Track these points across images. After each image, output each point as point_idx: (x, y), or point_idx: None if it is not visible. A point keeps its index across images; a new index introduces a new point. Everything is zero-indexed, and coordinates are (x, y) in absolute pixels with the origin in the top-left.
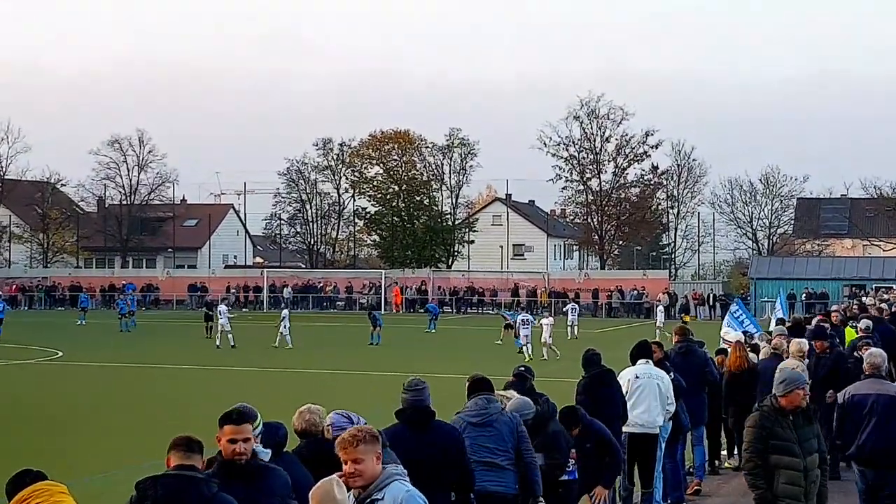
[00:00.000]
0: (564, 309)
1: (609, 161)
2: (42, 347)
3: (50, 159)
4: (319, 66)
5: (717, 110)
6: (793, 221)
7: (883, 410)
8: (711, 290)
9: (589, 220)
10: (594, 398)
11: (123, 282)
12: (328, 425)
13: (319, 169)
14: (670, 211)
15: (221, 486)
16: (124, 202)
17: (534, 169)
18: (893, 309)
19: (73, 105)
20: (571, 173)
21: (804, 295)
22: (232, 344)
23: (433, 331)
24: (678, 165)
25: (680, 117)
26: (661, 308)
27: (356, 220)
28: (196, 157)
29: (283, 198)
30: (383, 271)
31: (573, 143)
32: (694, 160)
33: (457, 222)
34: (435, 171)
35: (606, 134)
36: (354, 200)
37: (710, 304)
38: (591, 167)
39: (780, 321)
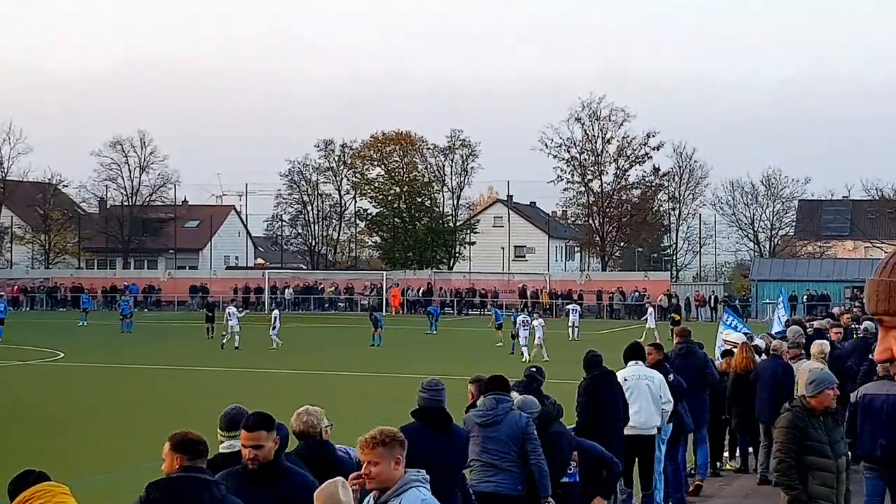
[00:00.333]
0: (566, 310)
1: (610, 162)
2: (44, 348)
3: (52, 160)
4: (321, 67)
5: (718, 112)
6: (794, 223)
7: (892, 411)
8: (713, 291)
9: (590, 221)
10: (595, 400)
11: (125, 283)
12: (326, 426)
13: (321, 170)
14: (672, 212)
15: (240, 488)
16: (126, 203)
17: (535, 170)
18: None
19: (74, 106)
20: (573, 175)
21: (806, 297)
22: (236, 345)
23: (434, 332)
24: (679, 167)
25: (681, 119)
26: (651, 310)
27: (357, 222)
28: (197, 158)
29: (284, 199)
30: (384, 273)
31: (574, 144)
32: (695, 162)
33: (458, 224)
34: (436, 172)
35: (608, 135)
36: (356, 202)
37: (712, 305)
38: (592, 169)
39: (797, 322)
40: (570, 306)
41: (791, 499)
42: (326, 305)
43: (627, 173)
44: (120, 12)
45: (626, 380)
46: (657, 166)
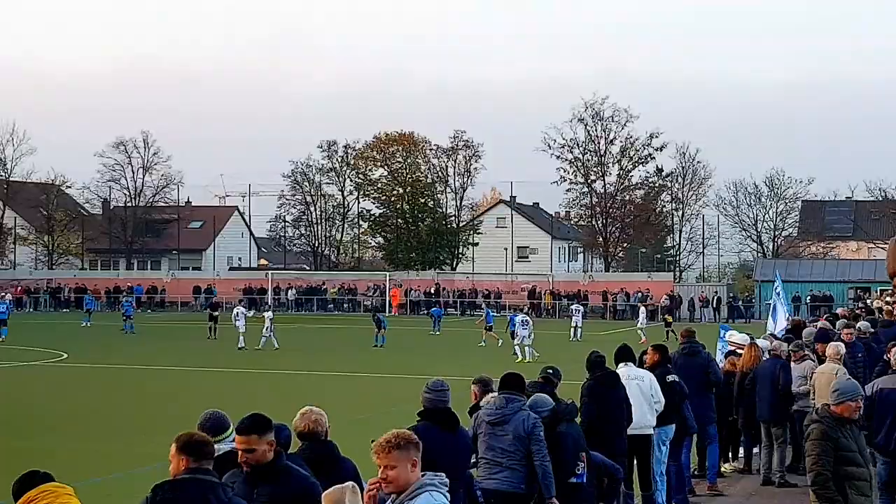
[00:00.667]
0: (569, 311)
1: (613, 163)
2: (47, 349)
3: (55, 161)
4: (324, 68)
5: (721, 112)
6: (797, 224)
7: None
8: (716, 292)
9: (593, 222)
10: (599, 401)
11: (129, 284)
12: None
13: (324, 171)
14: (675, 213)
15: (240, 488)
16: (129, 204)
17: (538, 171)
18: None
19: (78, 107)
20: (576, 175)
21: (809, 297)
22: (240, 346)
23: (437, 333)
24: (682, 167)
25: (684, 119)
26: (642, 309)
27: (360, 222)
28: (201, 159)
29: (287, 200)
30: (387, 273)
31: (577, 145)
32: (698, 162)
33: (461, 224)
34: (439, 173)
35: (611, 136)
36: (359, 202)
37: (714, 306)
38: (595, 169)
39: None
40: (572, 307)
41: None
42: (330, 306)
43: (630, 174)
44: (124, 13)
45: None
46: (660, 167)
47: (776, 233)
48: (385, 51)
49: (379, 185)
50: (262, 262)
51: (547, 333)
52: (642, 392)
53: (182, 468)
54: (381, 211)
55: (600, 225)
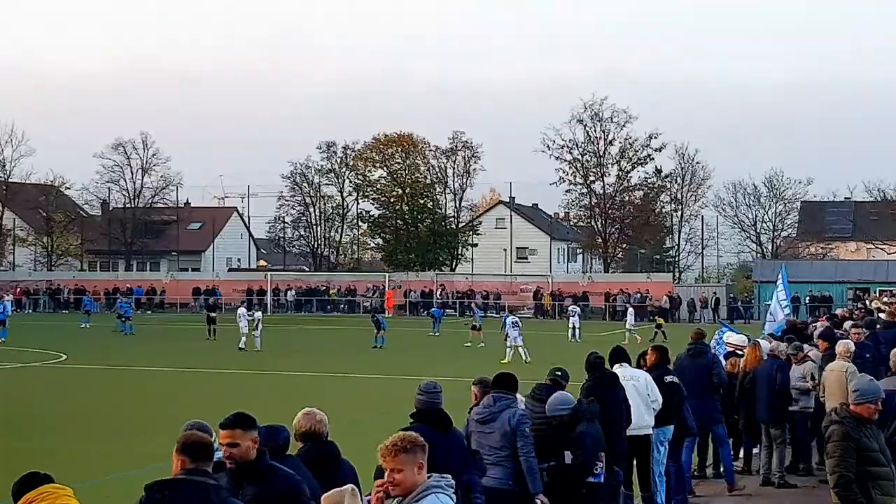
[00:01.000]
0: (566, 311)
1: (612, 164)
2: (46, 350)
3: (54, 163)
4: (323, 69)
5: (720, 113)
6: (797, 224)
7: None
8: (714, 293)
9: (592, 223)
10: (598, 402)
11: (128, 285)
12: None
13: (323, 172)
14: (674, 214)
15: (230, 487)
16: (128, 205)
17: (537, 172)
18: None
19: (76, 108)
20: (575, 176)
21: (808, 298)
22: (240, 346)
23: (437, 334)
24: (682, 168)
25: (683, 120)
26: (631, 311)
27: (360, 224)
28: (200, 160)
29: (286, 201)
30: (387, 274)
31: (577, 146)
32: (697, 163)
33: (460, 225)
34: (438, 174)
35: (610, 137)
36: (358, 203)
37: (713, 307)
38: (594, 170)
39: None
40: (569, 308)
41: None
42: (329, 307)
43: (629, 175)
44: (122, 14)
45: None
46: (659, 168)
47: (775, 233)
48: (385, 51)
49: (378, 186)
50: (262, 263)
51: (546, 335)
52: (638, 392)
53: (180, 469)
54: (381, 212)
55: (599, 226)
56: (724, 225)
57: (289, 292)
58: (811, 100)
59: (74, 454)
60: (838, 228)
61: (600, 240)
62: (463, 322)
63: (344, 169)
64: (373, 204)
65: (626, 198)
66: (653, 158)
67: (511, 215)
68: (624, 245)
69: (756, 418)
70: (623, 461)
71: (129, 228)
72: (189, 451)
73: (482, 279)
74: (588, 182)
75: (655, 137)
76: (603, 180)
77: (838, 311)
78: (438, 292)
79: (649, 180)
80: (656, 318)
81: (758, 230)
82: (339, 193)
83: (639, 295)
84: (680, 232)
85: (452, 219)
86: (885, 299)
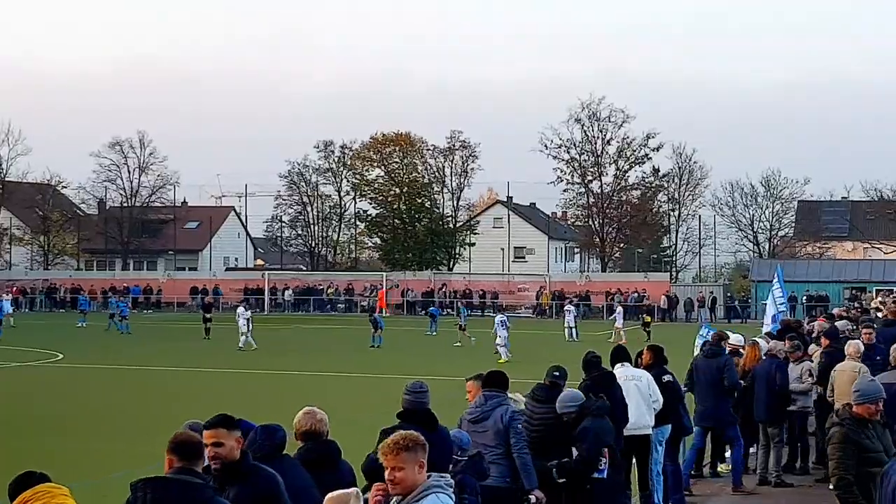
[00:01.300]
0: (563, 311)
1: (610, 163)
2: (43, 350)
3: (51, 161)
4: (321, 68)
5: (717, 113)
6: (793, 224)
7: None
8: (711, 292)
9: (590, 222)
10: None
11: (125, 284)
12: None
13: (320, 171)
14: (671, 213)
15: (217, 486)
16: (125, 204)
17: (535, 171)
18: None
19: (73, 107)
20: (572, 176)
21: (805, 298)
22: (240, 346)
23: (434, 333)
24: (679, 168)
25: (681, 120)
26: (619, 309)
27: (357, 223)
28: (197, 159)
29: (284, 200)
30: (384, 274)
31: (574, 145)
32: (695, 163)
33: (458, 225)
34: (436, 173)
35: (607, 136)
36: (355, 203)
37: (709, 306)
38: (592, 170)
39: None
40: (565, 307)
41: None
42: (326, 306)
43: (627, 174)
44: (120, 13)
45: None
46: (657, 167)
47: (772, 233)
48: (385, 51)
49: (376, 186)
50: (259, 262)
51: (544, 334)
52: (640, 392)
53: (169, 468)
54: (378, 211)
55: (597, 225)
56: (722, 224)
57: (286, 291)
58: (810, 100)
59: (71, 453)
60: (835, 228)
61: (598, 239)
62: (453, 322)
63: (341, 168)
64: (370, 203)
65: (624, 197)
66: (650, 158)
67: (509, 215)
68: (621, 244)
69: (754, 417)
70: (620, 460)
71: (126, 227)
72: (179, 450)
73: (479, 278)
74: (585, 181)
75: (653, 137)
76: (600, 180)
77: (835, 311)
78: (440, 291)
79: (647, 180)
80: (643, 316)
81: (755, 230)
82: (337, 193)
83: (636, 294)
84: (677, 231)
85: (450, 218)
86: (880, 299)
